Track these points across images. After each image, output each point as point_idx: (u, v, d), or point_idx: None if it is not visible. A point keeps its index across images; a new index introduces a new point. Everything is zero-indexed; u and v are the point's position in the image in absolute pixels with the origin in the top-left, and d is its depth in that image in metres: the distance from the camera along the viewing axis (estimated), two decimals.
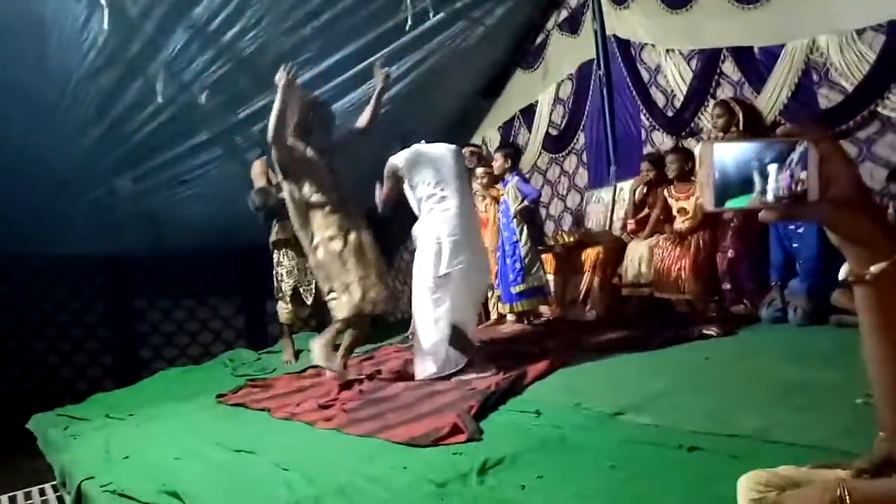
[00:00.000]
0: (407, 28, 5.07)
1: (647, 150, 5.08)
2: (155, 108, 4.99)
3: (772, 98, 4.14)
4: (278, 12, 4.76)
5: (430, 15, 5.08)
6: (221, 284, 7.02)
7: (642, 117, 5.16)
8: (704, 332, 3.50)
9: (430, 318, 3.33)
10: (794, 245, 3.53)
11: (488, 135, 6.61)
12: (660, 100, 5.00)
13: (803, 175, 0.61)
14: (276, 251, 4.86)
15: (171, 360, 6.39)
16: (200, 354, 6.46)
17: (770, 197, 0.61)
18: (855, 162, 0.67)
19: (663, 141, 5.00)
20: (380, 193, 3.75)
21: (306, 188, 3.51)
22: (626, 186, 5.12)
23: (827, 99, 3.92)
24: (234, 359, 4.79)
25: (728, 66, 4.48)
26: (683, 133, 4.81)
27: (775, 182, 0.61)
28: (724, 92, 4.50)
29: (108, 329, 6.37)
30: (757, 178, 0.61)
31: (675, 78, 4.79)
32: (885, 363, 0.65)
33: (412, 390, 3.13)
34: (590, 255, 4.81)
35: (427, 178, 3.51)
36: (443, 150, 3.62)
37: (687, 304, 4.17)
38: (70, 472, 2.56)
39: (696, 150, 0.77)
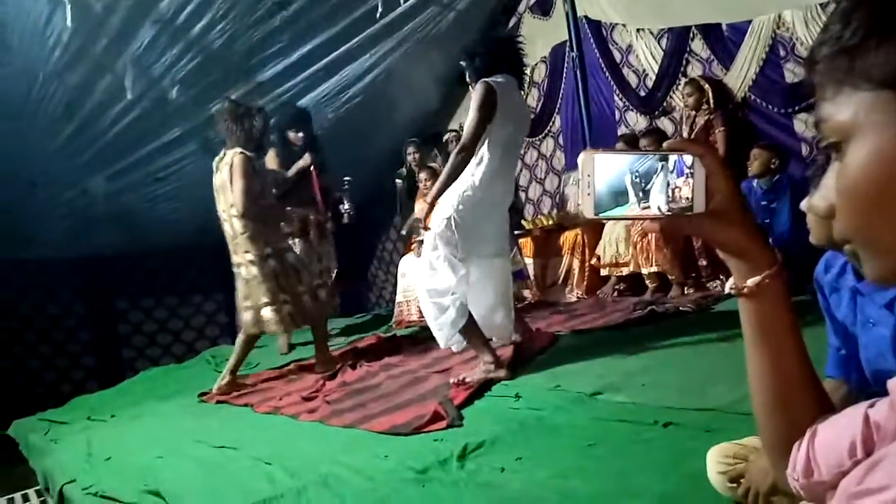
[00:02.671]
0: (378, 15, 5.02)
1: (622, 130, 5.11)
2: (125, 104, 4.92)
3: (741, 74, 4.18)
4: (246, 3, 4.70)
5: (401, 1, 5.04)
6: (203, 281, 6.96)
7: (616, 98, 5.18)
8: (681, 308, 3.55)
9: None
10: (767, 220, 3.58)
11: (465, 121, 6.58)
12: (632, 80, 5.02)
13: (679, 182, 0.61)
14: None
15: (155, 359, 6.35)
16: (184, 353, 6.41)
17: (650, 207, 0.61)
18: (733, 177, 0.69)
19: (637, 121, 5.03)
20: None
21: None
22: None
23: (793, 73, 3.96)
24: (216, 355, 4.76)
25: (697, 44, 4.50)
26: (657, 112, 4.84)
27: (654, 192, 0.61)
28: (694, 70, 4.53)
29: (88, 331, 6.31)
30: (636, 189, 0.61)
31: (647, 57, 4.80)
32: (763, 376, 0.65)
33: (395, 379, 3.15)
34: (568, 237, 4.84)
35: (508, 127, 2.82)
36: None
37: (660, 280, 4.21)
38: (52, 476, 2.55)
39: (579, 159, 0.76)
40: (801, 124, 3.94)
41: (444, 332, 2.86)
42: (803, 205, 1.36)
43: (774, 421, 0.66)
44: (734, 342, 2.68)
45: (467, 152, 2.75)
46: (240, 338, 3.60)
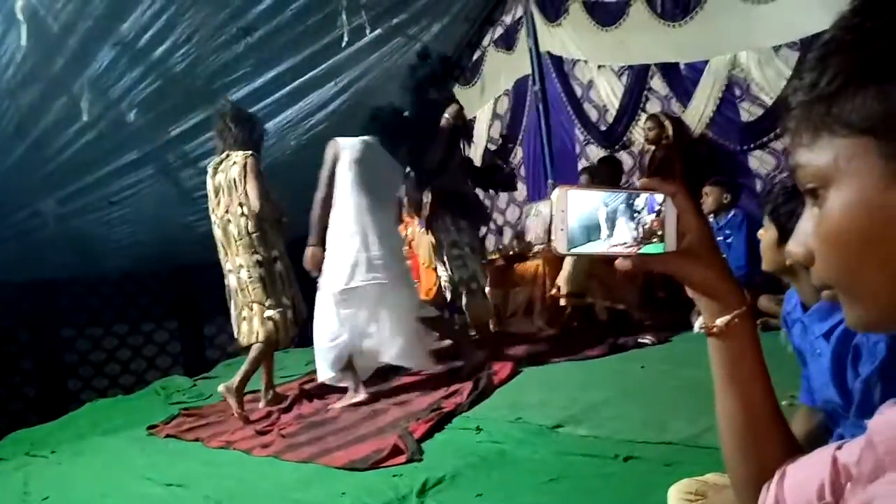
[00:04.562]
0: (343, 44, 5.04)
1: (583, 163, 5.20)
2: (81, 126, 4.78)
3: (698, 111, 4.31)
4: (210, 28, 4.66)
5: (367, 31, 5.06)
6: (156, 308, 6.75)
7: (577, 131, 5.28)
8: (640, 340, 3.57)
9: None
10: (724, 255, 3.65)
11: None
12: (593, 114, 5.13)
13: (650, 219, 0.62)
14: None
15: (102, 390, 6.07)
16: (133, 384, 6.15)
17: (622, 243, 0.62)
18: (706, 216, 0.72)
19: (598, 154, 5.12)
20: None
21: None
22: None
23: (749, 112, 4.10)
24: (167, 386, 4.58)
25: (656, 82, 4.63)
26: (617, 146, 4.94)
27: (626, 229, 0.62)
28: (653, 106, 4.66)
29: (31, 360, 6.02)
30: (608, 225, 0.62)
31: (607, 93, 4.92)
32: (732, 416, 0.66)
33: (352, 411, 3.07)
34: (529, 267, 4.86)
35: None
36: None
37: (613, 312, 4.25)
38: None
39: (553, 195, 0.79)
40: (756, 161, 4.08)
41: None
42: (761, 232, 1.42)
43: (743, 461, 0.66)
44: (693, 374, 2.70)
45: (321, 193, 3.33)
46: (252, 353, 3.40)
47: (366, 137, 3.44)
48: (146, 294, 6.66)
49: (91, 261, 5.94)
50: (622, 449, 2.07)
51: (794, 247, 0.51)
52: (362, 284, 3.22)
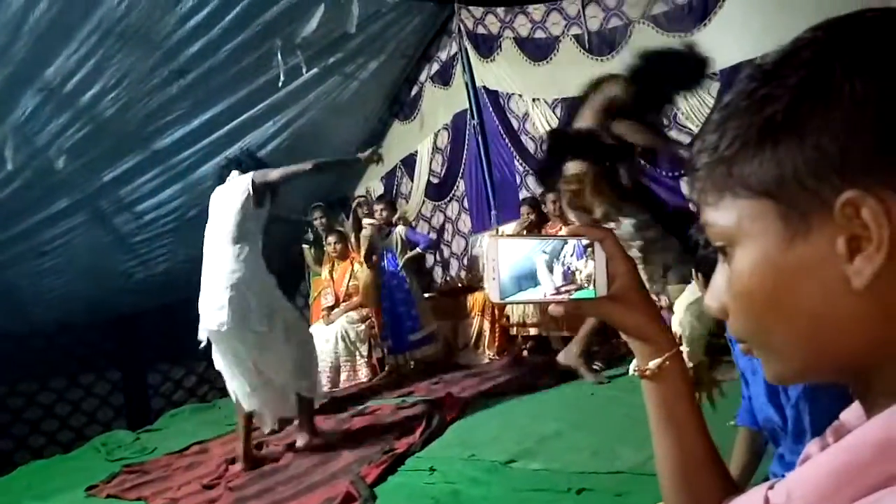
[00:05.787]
0: (280, 84, 5.03)
1: (524, 193, 5.29)
2: (5, 175, 4.60)
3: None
4: (141, 71, 4.57)
5: (303, 71, 5.07)
6: (96, 359, 6.45)
7: (516, 163, 5.39)
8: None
9: None
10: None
11: (372, 185, 6.64)
12: (530, 146, 5.25)
13: (580, 265, 0.63)
14: None
15: (38, 449, 5.73)
16: (72, 440, 5.83)
17: (552, 289, 0.63)
18: (634, 261, 0.75)
19: (538, 184, 5.23)
20: None
21: None
22: (507, 229, 5.29)
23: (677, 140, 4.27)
24: (107, 442, 4.38)
25: None
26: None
27: (557, 275, 0.63)
28: None
29: None
30: (539, 273, 0.62)
31: (543, 125, 5.05)
32: (668, 456, 0.67)
33: (302, 458, 3.00)
34: (477, 298, 4.89)
35: None
36: None
37: (565, 342, 4.30)
38: None
39: (484, 245, 0.81)
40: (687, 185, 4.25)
41: None
42: None
43: (680, 501, 0.67)
44: (641, 400, 2.76)
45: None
46: None
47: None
48: (84, 345, 6.36)
49: (21, 314, 5.65)
50: (574, 481, 2.09)
51: (710, 301, 0.53)
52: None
